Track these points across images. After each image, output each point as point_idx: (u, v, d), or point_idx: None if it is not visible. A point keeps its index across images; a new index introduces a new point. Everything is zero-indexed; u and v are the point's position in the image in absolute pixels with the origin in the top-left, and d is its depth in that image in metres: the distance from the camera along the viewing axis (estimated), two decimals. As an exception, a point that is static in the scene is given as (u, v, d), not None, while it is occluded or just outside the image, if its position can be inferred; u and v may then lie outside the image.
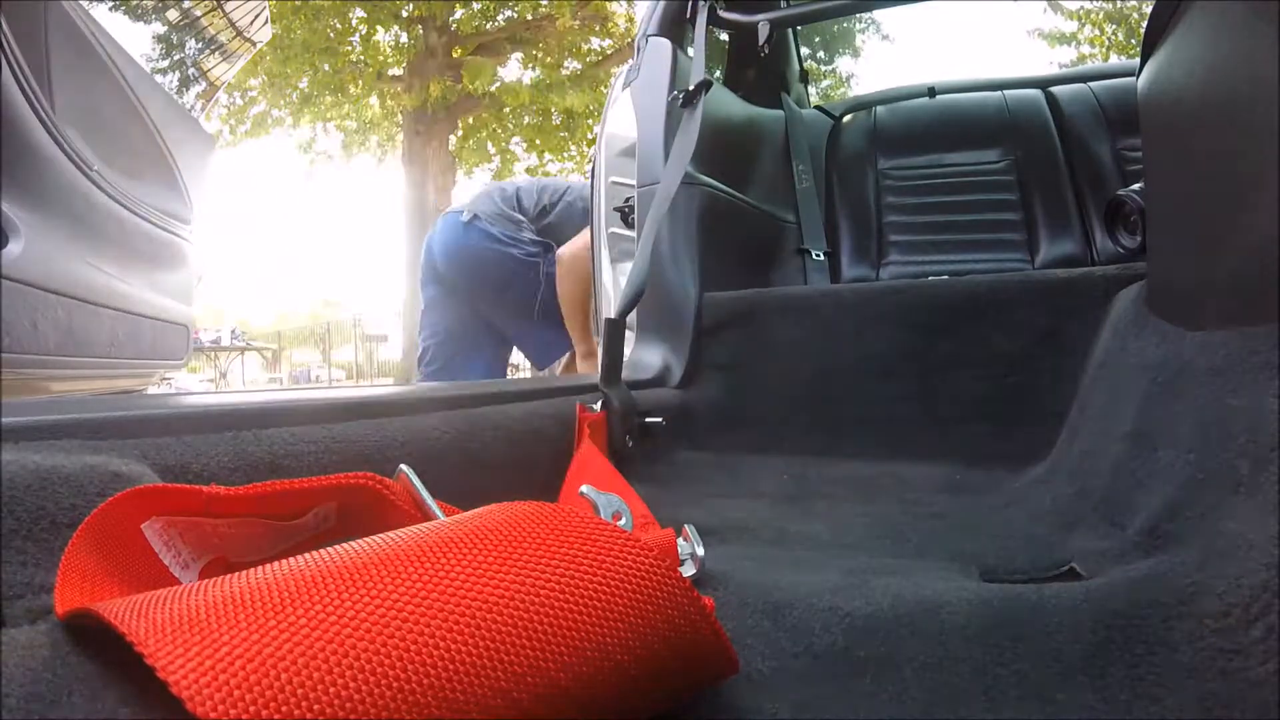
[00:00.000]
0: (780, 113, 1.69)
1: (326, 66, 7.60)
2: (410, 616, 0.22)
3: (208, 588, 0.24)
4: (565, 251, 1.73)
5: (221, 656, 0.20)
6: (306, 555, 0.26)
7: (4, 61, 1.26)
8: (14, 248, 1.33)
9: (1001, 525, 0.61)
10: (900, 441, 0.93)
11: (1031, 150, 1.60)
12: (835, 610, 0.38)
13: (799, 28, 1.92)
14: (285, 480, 0.31)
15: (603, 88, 7.60)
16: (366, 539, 0.28)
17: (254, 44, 2.78)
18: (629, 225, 1.29)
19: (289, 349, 12.62)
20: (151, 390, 2.09)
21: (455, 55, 7.93)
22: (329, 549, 0.27)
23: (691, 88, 1.06)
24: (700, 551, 0.45)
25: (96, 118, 1.64)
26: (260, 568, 0.25)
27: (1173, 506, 0.43)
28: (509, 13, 8.09)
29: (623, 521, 0.41)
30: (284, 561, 0.26)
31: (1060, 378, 0.83)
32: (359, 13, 7.66)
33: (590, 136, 8.05)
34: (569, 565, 0.27)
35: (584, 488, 0.42)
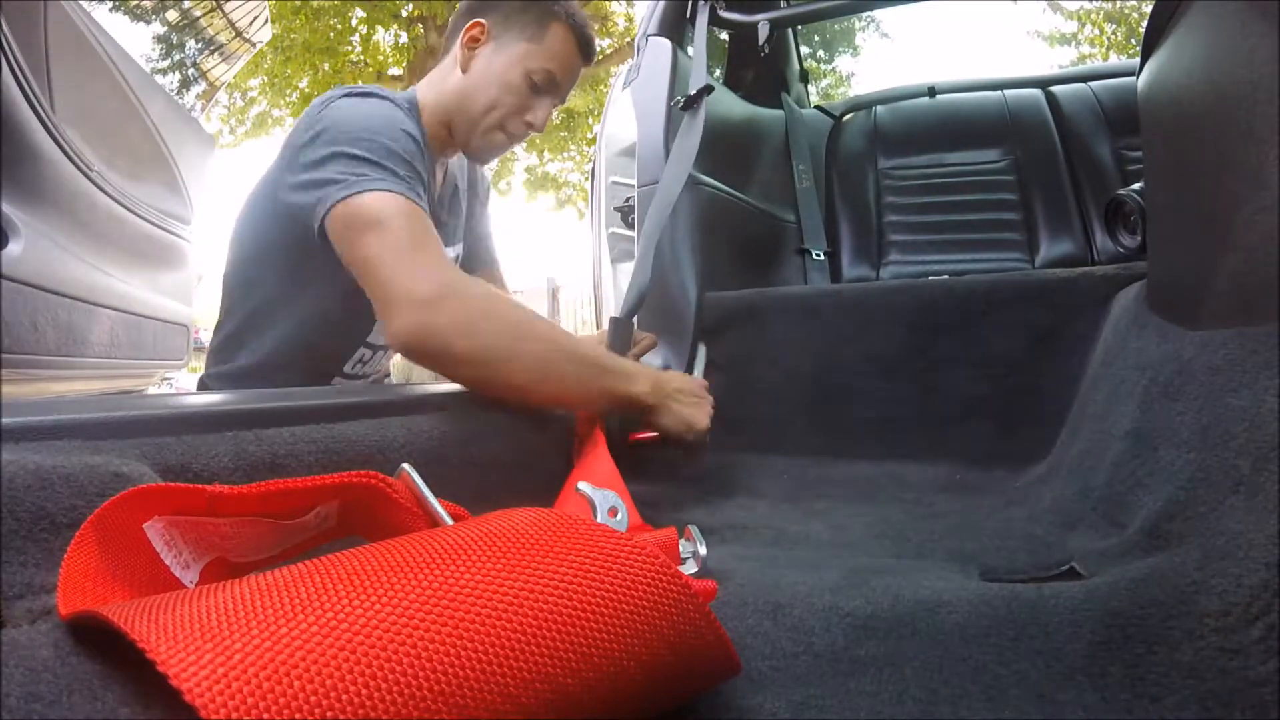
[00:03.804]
0: (780, 112, 1.69)
1: (326, 66, 7.58)
2: (420, 623, 0.22)
3: (216, 592, 0.24)
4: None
5: (235, 664, 0.20)
6: (314, 560, 0.26)
7: (4, 61, 1.26)
8: (14, 248, 1.32)
9: (1001, 525, 0.61)
10: (900, 441, 0.93)
11: (1031, 150, 1.59)
12: (835, 610, 0.38)
13: (799, 27, 1.91)
14: (289, 479, 0.31)
15: (603, 87, 7.59)
16: (374, 545, 0.28)
17: (254, 44, 2.77)
18: (629, 225, 1.29)
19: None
20: (151, 390, 2.08)
21: (455, 55, 7.91)
22: (337, 554, 0.27)
23: (693, 92, 1.05)
24: (703, 551, 0.45)
25: (96, 118, 1.64)
26: (269, 573, 0.25)
27: (1173, 506, 0.43)
28: (509, 12, 8.08)
29: (619, 517, 0.41)
30: (292, 566, 0.26)
31: (1060, 377, 0.83)
32: (359, 13, 7.65)
33: (590, 136, 8.04)
34: (575, 572, 0.27)
35: (580, 484, 0.42)
